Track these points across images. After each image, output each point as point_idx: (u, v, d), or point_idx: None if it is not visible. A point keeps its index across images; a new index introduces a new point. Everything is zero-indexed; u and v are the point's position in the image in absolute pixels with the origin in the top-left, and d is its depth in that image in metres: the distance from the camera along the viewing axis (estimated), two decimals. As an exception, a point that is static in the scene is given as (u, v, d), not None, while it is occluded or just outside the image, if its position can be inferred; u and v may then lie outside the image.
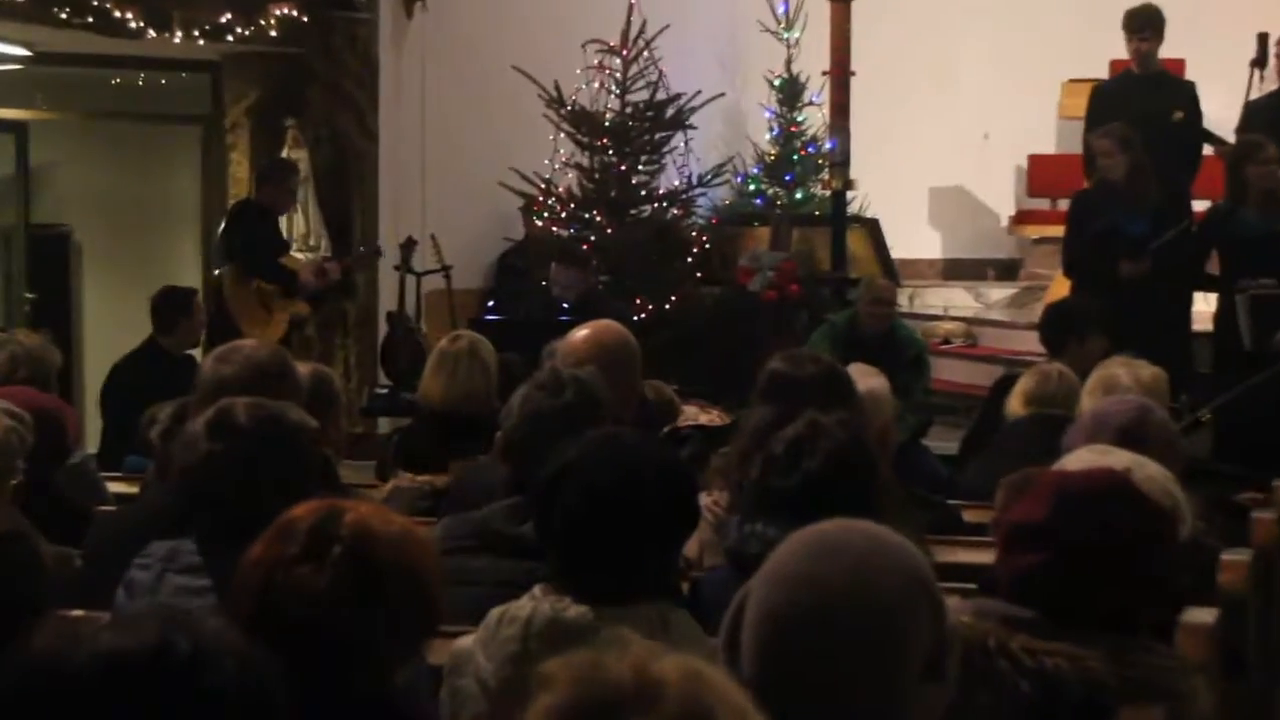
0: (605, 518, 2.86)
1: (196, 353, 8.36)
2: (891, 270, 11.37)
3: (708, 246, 10.96)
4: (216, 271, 9.47)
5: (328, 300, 10.44)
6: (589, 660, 1.40)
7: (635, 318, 9.89)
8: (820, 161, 11.61)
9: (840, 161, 10.44)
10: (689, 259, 10.85)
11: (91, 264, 11.58)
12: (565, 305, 8.86)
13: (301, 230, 10.89)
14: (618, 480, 2.88)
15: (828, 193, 10.97)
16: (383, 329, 10.42)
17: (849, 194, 10.76)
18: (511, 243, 11.13)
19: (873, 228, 11.68)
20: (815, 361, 4.46)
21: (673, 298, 10.59)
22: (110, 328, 10.41)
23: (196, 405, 3.81)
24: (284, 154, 10.90)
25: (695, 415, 5.07)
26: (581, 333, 4.59)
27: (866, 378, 4.69)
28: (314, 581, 2.27)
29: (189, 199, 11.39)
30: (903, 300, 10.73)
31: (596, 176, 10.90)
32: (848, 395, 4.29)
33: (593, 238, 10.62)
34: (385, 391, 9.93)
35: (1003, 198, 12.78)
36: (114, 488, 5.49)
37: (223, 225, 9.77)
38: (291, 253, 10.43)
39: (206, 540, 3.11)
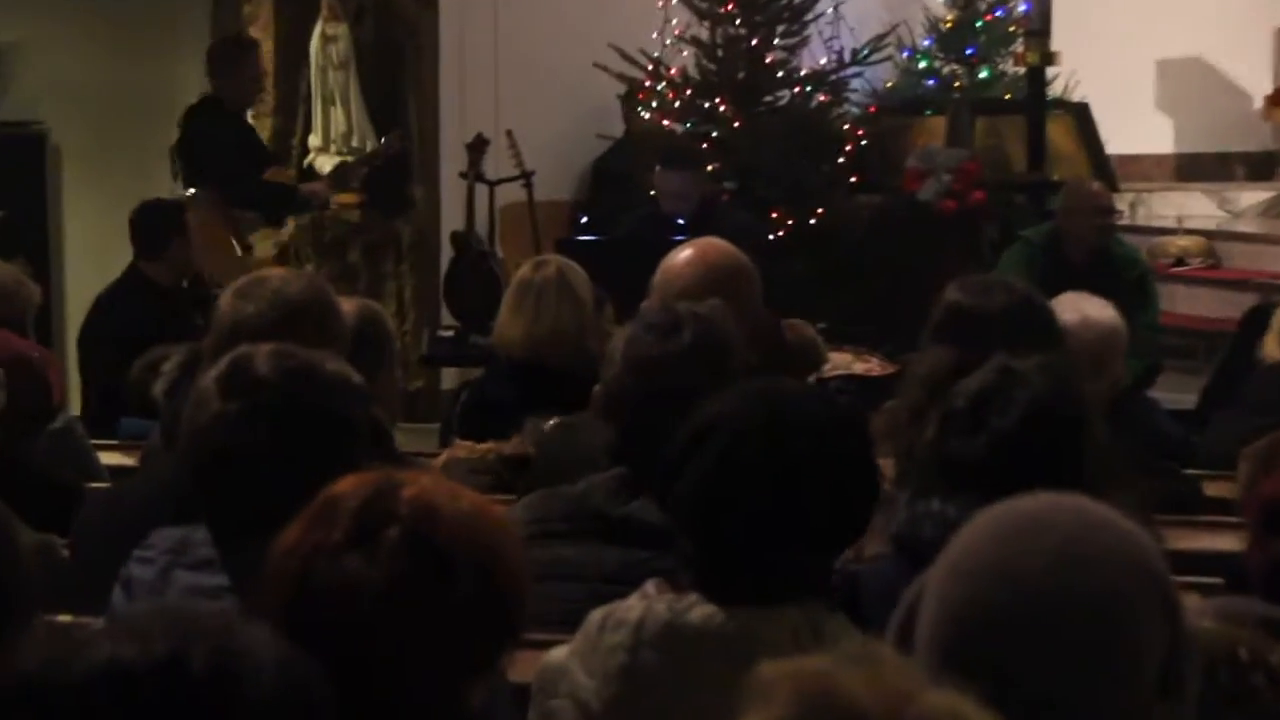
0: (764, 494, 2.89)
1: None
2: (1107, 170, 11.26)
3: (864, 143, 10.91)
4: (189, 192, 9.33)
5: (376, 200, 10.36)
6: (824, 673, 1.41)
7: (770, 236, 9.87)
8: (1012, 29, 11.50)
9: (1038, 29, 10.32)
10: (840, 160, 10.80)
11: (74, 173, 11.69)
12: (679, 221, 8.86)
13: (341, 128, 10.96)
14: (781, 444, 2.92)
15: (1021, 70, 10.86)
16: (446, 254, 10.48)
17: (1050, 71, 10.63)
18: (610, 141, 11.14)
19: (1081, 115, 11.55)
20: (1007, 291, 4.46)
21: (819, 210, 10.55)
22: (99, 254, 10.49)
23: (210, 353, 3.81)
24: (318, 28, 10.96)
25: (847, 363, 5.06)
26: (682, 254, 4.63)
27: (1090, 308, 4.66)
28: (365, 574, 2.28)
29: (197, 87, 11.47)
30: (1122, 209, 10.62)
31: (719, 54, 10.86)
32: (1050, 334, 4.30)
33: (714, 133, 10.59)
34: (450, 335, 9.99)
35: (1256, 72, 12.59)
36: (107, 459, 5.57)
37: (177, 137, 9.70)
38: (320, 158, 10.49)
39: (223, 527, 3.14)
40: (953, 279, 4.57)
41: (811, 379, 4.98)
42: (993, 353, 3.47)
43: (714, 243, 4.72)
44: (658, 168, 9.24)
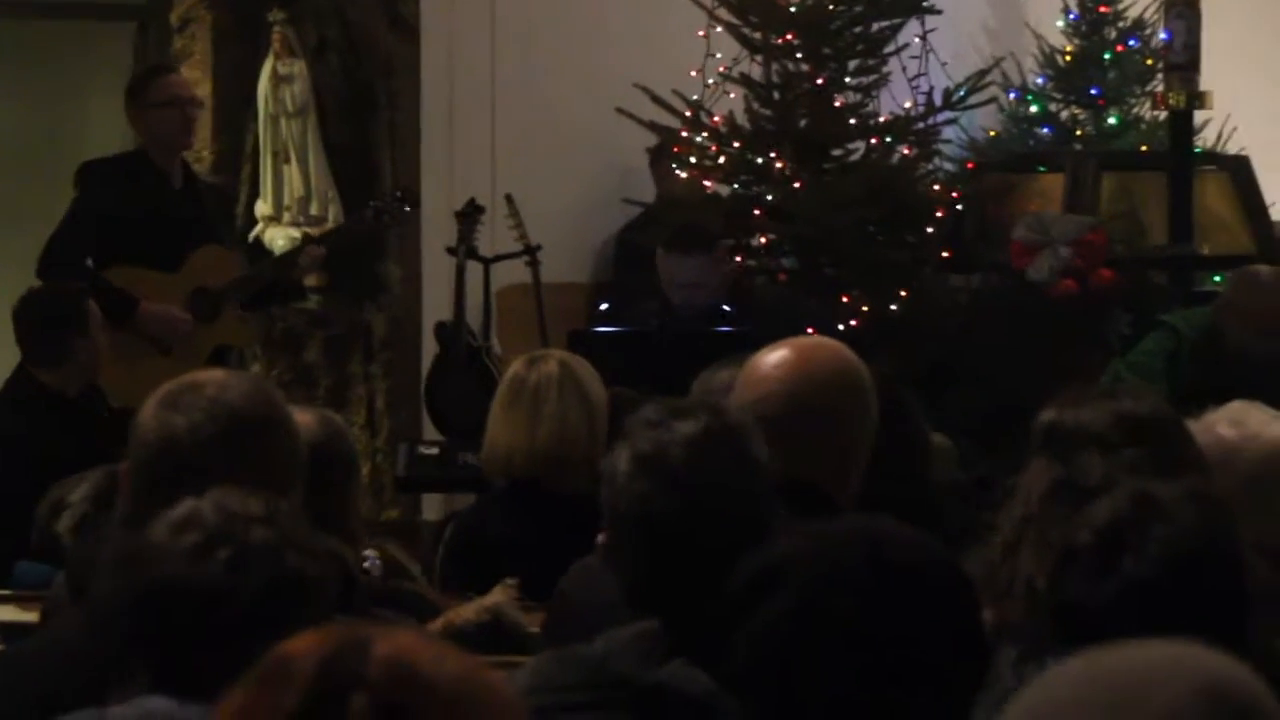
0: (852, 663, 2.88)
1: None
2: (1273, 242, 11.18)
3: (959, 209, 10.89)
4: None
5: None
6: None
7: (840, 326, 9.82)
8: (1150, 63, 11.53)
9: (1183, 63, 10.31)
10: (929, 229, 10.77)
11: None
12: (726, 309, 8.87)
13: (297, 192, 10.91)
14: (869, 600, 2.90)
15: (1162, 115, 10.88)
16: (429, 350, 10.51)
17: (1199, 116, 10.64)
18: (638, 207, 11.15)
19: (1240, 172, 11.47)
20: (1121, 400, 4.29)
21: (902, 294, 10.50)
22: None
23: (131, 480, 3.88)
24: (268, 66, 10.93)
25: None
26: (775, 357, 4.49)
27: (1256, 421, 4.57)
28: (324, 754, 2.26)
29: (114, 142, 11.51)
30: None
31: (775, 96, 10.87)
32: (1189, 455, 4.18)
33: (769, 197, 10.59)
34: (434, 452, 9.95)
35: None
36: (-3, 614, 5.58)
37: None
38: (281, 233, 10.50)
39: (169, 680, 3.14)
40: (1073, 382, 4.52)
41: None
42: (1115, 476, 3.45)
43: (826, 345, 4.64)
44: (659, 251, 9.33)
